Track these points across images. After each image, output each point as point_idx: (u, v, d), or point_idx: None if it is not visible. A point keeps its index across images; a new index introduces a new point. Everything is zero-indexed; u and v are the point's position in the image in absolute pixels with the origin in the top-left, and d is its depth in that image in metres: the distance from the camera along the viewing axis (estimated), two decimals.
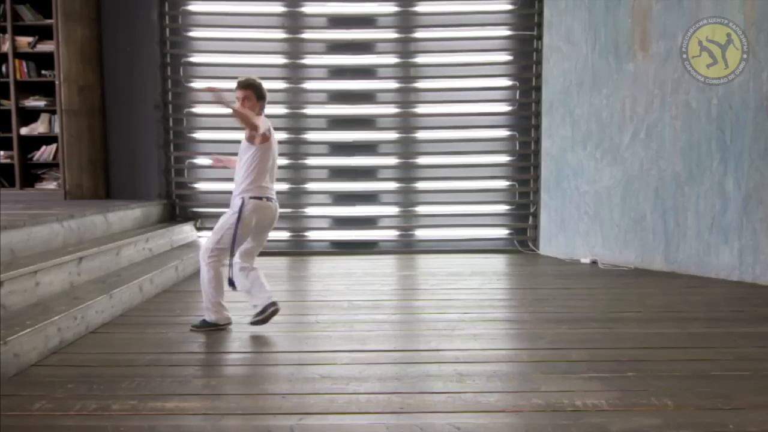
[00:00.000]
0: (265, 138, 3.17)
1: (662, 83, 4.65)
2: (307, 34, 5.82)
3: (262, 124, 3.11)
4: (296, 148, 5.90)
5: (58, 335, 2.83)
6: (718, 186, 4.42)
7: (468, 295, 4.03)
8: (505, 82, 5.82)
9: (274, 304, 3.17)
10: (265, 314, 3.14)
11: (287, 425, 2.05)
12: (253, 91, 3.17)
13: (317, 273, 4.96)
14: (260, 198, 3.18)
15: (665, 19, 4.60)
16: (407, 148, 5.91)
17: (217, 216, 5.80)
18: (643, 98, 4.77)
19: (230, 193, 6.26)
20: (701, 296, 3.94)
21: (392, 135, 5.90)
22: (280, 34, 5.81)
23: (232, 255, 3.15)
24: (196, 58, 5.81)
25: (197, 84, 5.76)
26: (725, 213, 4.40)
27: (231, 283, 3.17)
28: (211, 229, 5.71)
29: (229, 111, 3.00)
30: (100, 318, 3.24)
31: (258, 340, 3.02)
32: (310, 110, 5.91)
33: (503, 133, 5.87)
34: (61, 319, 2.86)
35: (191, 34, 5.81)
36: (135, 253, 4.39)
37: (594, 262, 5.10)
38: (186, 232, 5.55)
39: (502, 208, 5.94)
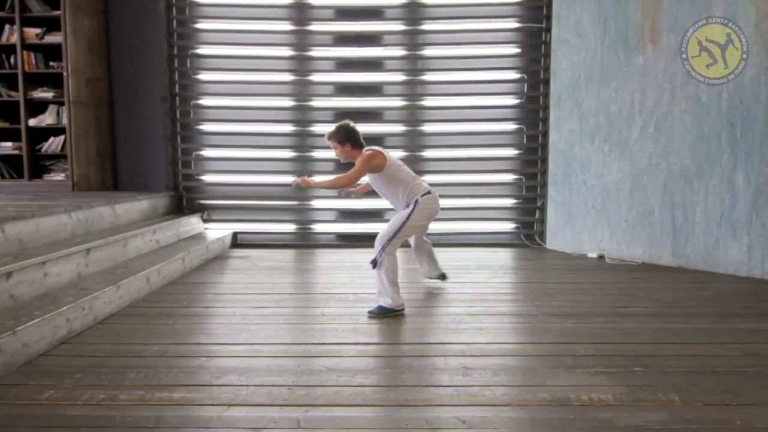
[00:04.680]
0: (374, 168, 3.38)
1: (672, 77, 4.61)
2: (314, 26, 5.80)
3: (361, 169, 3.33)
4: (303, 141, 5.90)
5: (67, 325, 2.85)
6: (728, 181, 4.39)
7: (474, 288, 4.03)
8: (513, 74, 5.77)
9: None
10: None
11: (293, 417, 2.06)
12: (336, 141, 3.40)
13: (323, 265, 4.97)
14: (427, 192, 3.49)
15: (676, 12, 4.55)
16: (414, 140, 5.88)
17: (224, 208, 5.92)
18: (652, 92, 4.73)
19: (237, 185, 6.26)
20: (709, 291, 3.92)
21: (399, 128, 5.88)
22: (287, 26, 5.79)
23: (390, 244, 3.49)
24: (203, 50, 5.80)
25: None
26: (734, 208, 4.37)
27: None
28: (217, 220, 5.81)
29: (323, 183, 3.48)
30: (107, 309, 3.26)
31: (264, 332, 3.03)
32: (316, 102, 5.89)
33: (510, 126, 5.84)
34: (69, 309, 2.88)
35: (198, 25, 5.80)
36: (142, 245, 4.41)
37: (601, 257, 5.08)
38: (193, 224, 5.57)
39: (509, 201, 5.92)
